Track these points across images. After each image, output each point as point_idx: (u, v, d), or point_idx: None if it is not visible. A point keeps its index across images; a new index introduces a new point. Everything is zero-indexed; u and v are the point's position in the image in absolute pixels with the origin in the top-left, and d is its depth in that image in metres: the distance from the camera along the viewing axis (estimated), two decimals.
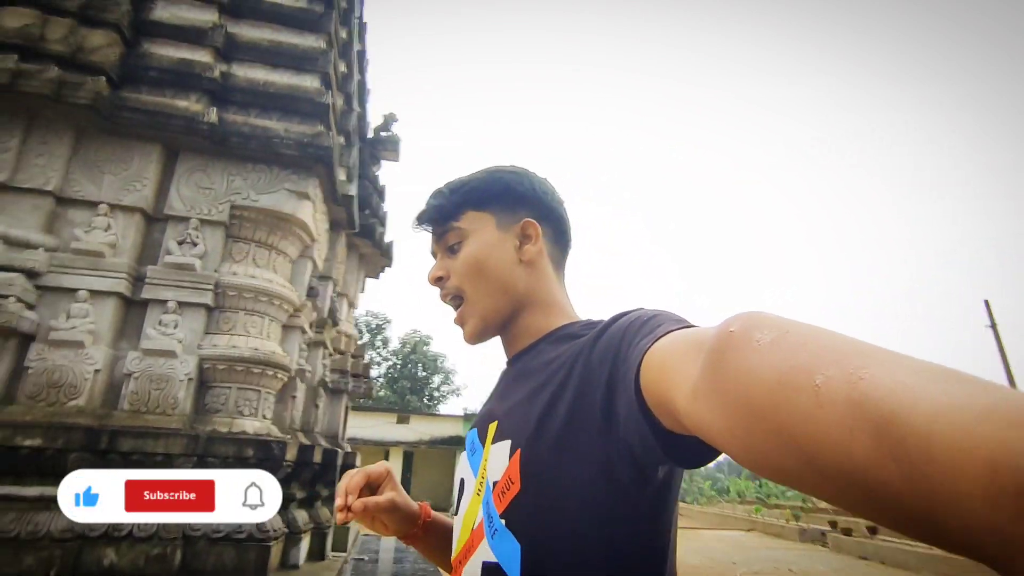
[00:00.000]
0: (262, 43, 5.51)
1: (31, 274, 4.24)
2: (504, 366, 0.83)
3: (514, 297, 0.78)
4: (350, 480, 0.82)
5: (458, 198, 0.80)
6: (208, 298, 4.66)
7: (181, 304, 4.56)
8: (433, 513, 0.94)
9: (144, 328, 4.48)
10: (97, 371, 4.22)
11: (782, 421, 0.33)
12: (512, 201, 0.81)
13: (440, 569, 0.98)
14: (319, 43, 5.67)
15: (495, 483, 0.65)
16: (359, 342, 8.72)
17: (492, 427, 0.72)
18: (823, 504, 13.53)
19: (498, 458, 0.67)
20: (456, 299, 0.80)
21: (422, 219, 0.84)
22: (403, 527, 0.89)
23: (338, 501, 0.81)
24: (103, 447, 3.89)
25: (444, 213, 0.81)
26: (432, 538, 0.93)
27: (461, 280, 0.78)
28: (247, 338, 4.76)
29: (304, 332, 5.73)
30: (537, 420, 0.63)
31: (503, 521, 0.62)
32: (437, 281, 0.81)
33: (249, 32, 5.54)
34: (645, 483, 0.57)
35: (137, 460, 3.95)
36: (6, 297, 4.01)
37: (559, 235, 0.84)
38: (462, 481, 0.78)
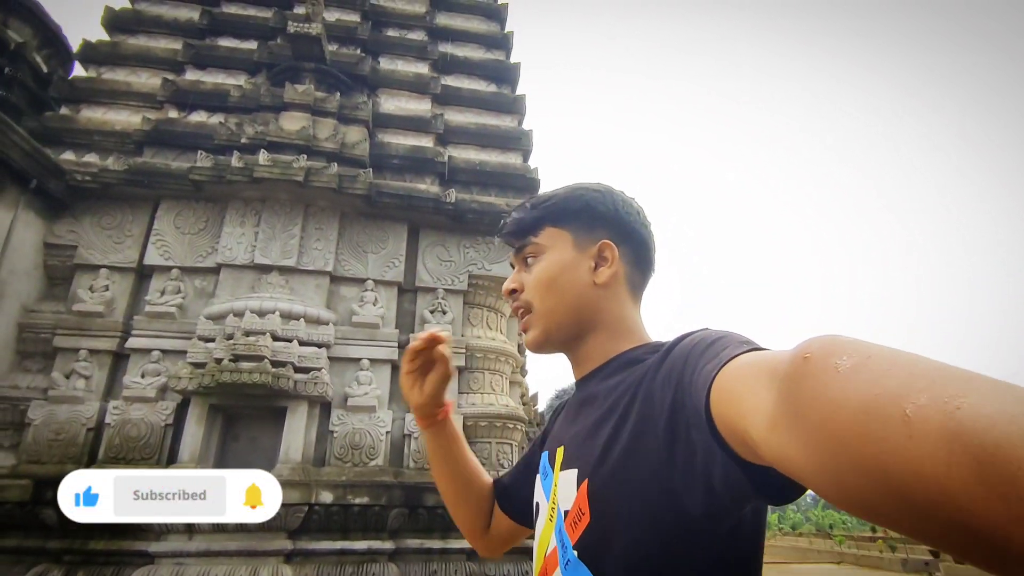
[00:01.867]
0: (469, 127, 6.14)
1: (323, 347, 4.77)
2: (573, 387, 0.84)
3: (582, 318, 0.78)
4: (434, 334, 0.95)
5: (538, 213, 0.81)
6: (462, 360, 5.14)
7: None
8: (451, 417, 1.04)
9: None
10: (387, 432, 4.69)
11: (870, 454, 0.31)
12: (591, 220, 0.80)
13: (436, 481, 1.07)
14: (514, 123, 6.30)
15: (566, 512, 0.65)
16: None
17: (560, 452, 0.73)
18: None
19: (567, 486, 0.67)
20: (525, 311, 0.82)
21: (503, 232, 0.85)
22: (432, 404, 0.98)
23: (418, 340, 0.94)
24: (414, 503, 4.33)
25: (523, 227, 0.82)
26: (443, 437, 1.01)
27: (532, 294, 0.79)
28: (494, 395, 5.22)
29: (520, 386, 6.18)
30: (602, 449, 0.63)
31: (575, 552, 0.62)
32: (510, 293, 0.82)
33: (457, 118, 6.19)
34: (722, 517, 0.54)
35: (440, 513, 4.38)
36: (319, 370, 4.52)
37: (640, 258, 0.83)
38: (537, 505, 0.79)
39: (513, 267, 0.87)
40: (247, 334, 4.43)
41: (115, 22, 6.02)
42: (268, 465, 4.42)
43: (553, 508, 0.71)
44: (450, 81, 6.37)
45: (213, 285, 5.00)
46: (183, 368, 4.42)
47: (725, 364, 0.48)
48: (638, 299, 0.83)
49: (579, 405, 0.77)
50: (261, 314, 4.70)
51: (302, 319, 4.73)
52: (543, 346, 0.81)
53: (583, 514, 0.62)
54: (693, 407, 0.51)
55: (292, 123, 5.17)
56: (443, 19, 6.81)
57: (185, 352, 4.72)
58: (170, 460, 4.35)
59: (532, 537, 0.81)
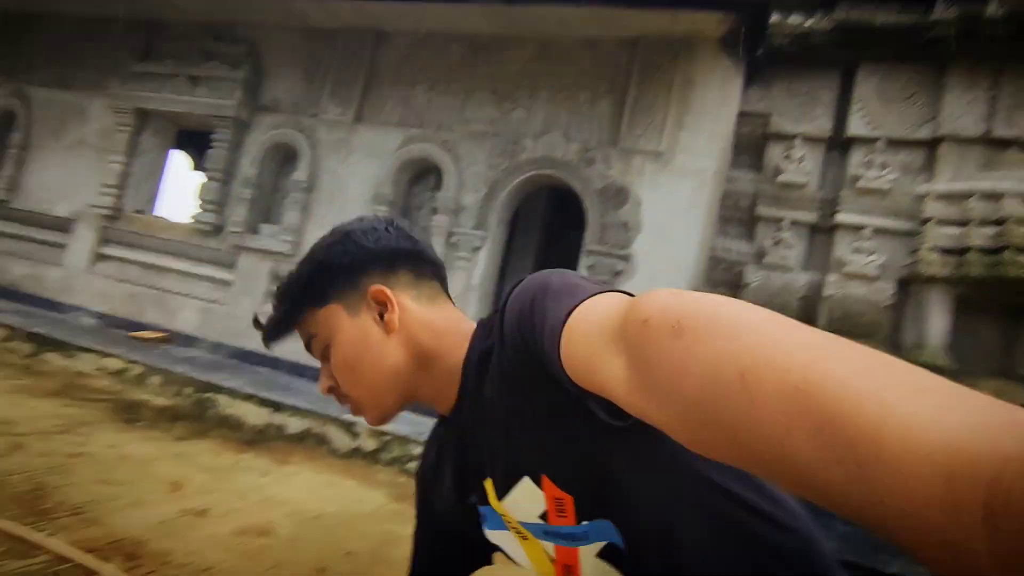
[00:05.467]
0: None
1: None
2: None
3: (401, 375, 0.70)
4: None
5: (289, 306, 0.72)
6: None
7: None
8: None
9: None
10: None
11: (716, 418, 0.31)
12: (348, 278, 0.71)
13: None
14: None
15: (544, 514, 0.64)
16: None
17: (488, 485, 0.69)
18: None
19: (528, 496, 0.64)
20: (348, 400, 0.73)
21: (270, 340, 0.75)
22: None
23: None
24: None
25: (287, 327, 0.73)
26: None
27: (344, 383, 0.72)
28: None
29: None
30: (529, 443, 0.62)
31: (584, 524, 0.61)
32: (330, 391, 0.74)
33: None
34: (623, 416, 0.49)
35: None
36: None
37: (420, 271, 0.74)
38: (501, 549, 0.76)
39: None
40: (1017, 222, 3.93)
41: None
42: (997, 364, 4.12)
43: (518, 530, 0.69)
44: None
45: (921, 159, 4.58)
46: (927, 253, 4.20)
47: (563, 327, 0.47)
48: (441, 297, 0.75)
49: (466, 436, 0.70)
50: (997, 197, 4.14)
51: None
52: (385, 420, 0.73)
53: (563, 499, 0.61)
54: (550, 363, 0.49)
55: None
56: None
57: (893, 231, 4.52)
58: (892, 344, 4.34)
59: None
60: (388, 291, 0.70)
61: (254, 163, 5.67)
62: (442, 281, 0.76)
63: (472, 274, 4.90)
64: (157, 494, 2.63)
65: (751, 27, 4.27)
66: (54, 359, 4.68)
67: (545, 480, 0.62)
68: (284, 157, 5.83)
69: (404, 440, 3.81)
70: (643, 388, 0.37)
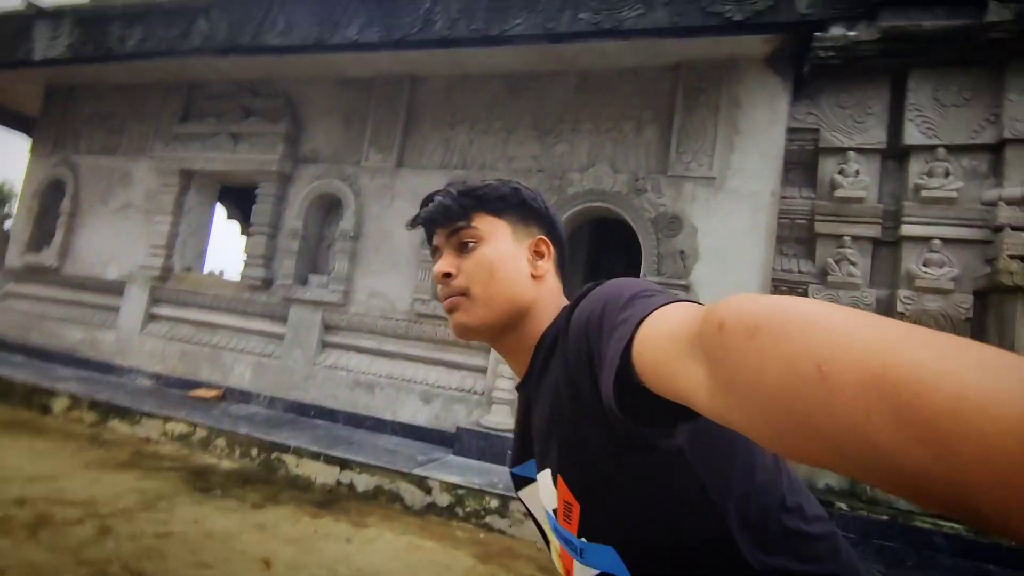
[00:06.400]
0: None
1: None
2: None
3: (518, 308, 0.76)
4: None
5: (471, 201, 0.78)
6: None
7: None
8: None
9: None
10: None
11: (798, 413, 0.31)
12: (526, 215, 0.80)
13: None
14: None
15: (555, 510, 0.68)
16: None
17: (534, 462, 0.75)
18: None
19: (546, 487, 0.70)
20: (457, 297, 0.76)
21: (431, 215, 0.80)
22: None
23: None
24: None
25: (455, 212, 0.78)
26: None
27: (471, 280, 0.76)
28: None
29: None
30: (559, 442, 0.65)
31: (583, 539, 0.64)
32: (445, 277, 0.77)
33: None
34: (656, 448, 0.57)
35: None
36: None
37: (560, 254, 0.84)
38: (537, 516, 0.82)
39: (436, 250, 0.81)
40: None
41: None
42: None
43: (544, 513, 0.73)
44: None
45: (986, 164, 4.42)
46: (1006, 262, 4.01)
47: (634, 334, 0.48)
48: (561, 279, 0.83)
49: (527, 408, 0.78)
50: None
51: None
52: (473, 332, 0.77)
53: (572, 505, 0.64)
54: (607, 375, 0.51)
55: None
56: None
57: (963, 240, 4.35)
58: None
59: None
60: (551, 247, 0.80)
61: (299, 215, 5.71)
62: (562, 257, 0.84)
63: None
64: (252, 573, 2.57)
65: (796, 44, 4.19)
66: (119, 427, 4.71)
67: (560, 480, 0.66)
68: (328, 207, 5.87)
69: (479, 494, 3.71)
70: (724, 391, 0.37)
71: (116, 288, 6.47)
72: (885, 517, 3.97)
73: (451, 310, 0.77)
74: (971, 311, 4.27)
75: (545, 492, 0.70)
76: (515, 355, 0.79)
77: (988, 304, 4.22)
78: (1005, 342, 4.04)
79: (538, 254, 0.79)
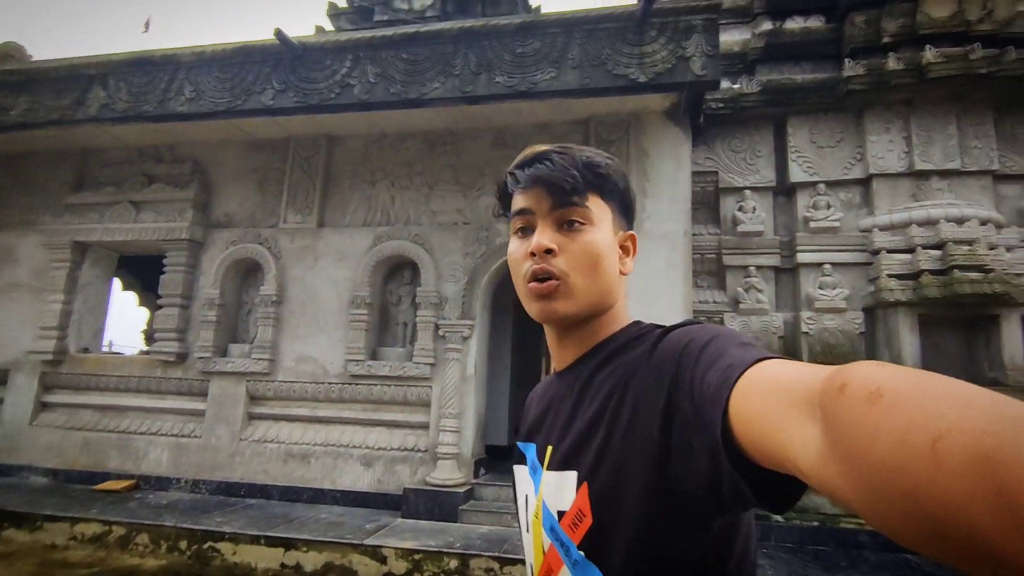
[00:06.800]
0: None
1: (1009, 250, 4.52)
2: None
3: (604, 306, 0.73)
4: None
5: (592, 177, 0.72)
6: None
7: None
8: None
9: None
10: None
11: (904, 486, 0.30)
12: (626, 206, 0.77)
13: None
14: None
15: (562, 513, 0.65)
16: None
17: (549, 451, 0.72)
18: None
19: (562, 487, 0.66)
20: (554, 281, 0.70)
21: (554, 181, 0.70)
22: None
23: None
24: None
25: (577, 187, 0.70)
26: None
27: (573, 267, 0.70)
28: None
29: None
30: (597, 452, 0.62)
31: (582, 553, 0.62)
32: (546, 252, 0.70)
33: None
34: (718, 517, 0.55)
35: None
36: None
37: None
38: (526, 497, 0.77)
39: (529, 214, 0.73)
40: (955, 243, 4.37)
41: None
42: (965, 373, 4.48)
43: (540, 505, 0.70)
44: None
45: (859, 196, 5.03)
46: (886, 281, 4.55)
47: (738, 378, 0.46)
48: None
49: (564, 396, 0.74)
50: (932, 223, 4.60)
51: (973, 222, 4.52)
52: (561, 320, 0.72)
53: (584, 516, 0.62)
54: (695, 415, 0.50)
55: (940, 8, 4.71)
56: None
57: (848, 264, 4.90)
58: None
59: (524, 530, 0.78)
60: (636, 245, 0.78)
61: (215, 282, 5.44)
62: None
63: (466, 364, 4.84)
64: None
65: (692, 98, 4.63)
66: (16, 536, 4.16)
67: (584, 489, 0.62)
68: (247, 271, 5.63)
69: (436, 555, 3.62)
70: (835, 456, 0.35)
71: None
72: (816, 523, 4.27)
73: (545, 295, 0.70)
74: (863, 326, 4.78)
75: (559, 492, 0.66)
76: (571, 345, 0.75)
77: (876, 319, 4.75)
78: (892, 351, 4.55)
79: (625, 250, 0.76)
